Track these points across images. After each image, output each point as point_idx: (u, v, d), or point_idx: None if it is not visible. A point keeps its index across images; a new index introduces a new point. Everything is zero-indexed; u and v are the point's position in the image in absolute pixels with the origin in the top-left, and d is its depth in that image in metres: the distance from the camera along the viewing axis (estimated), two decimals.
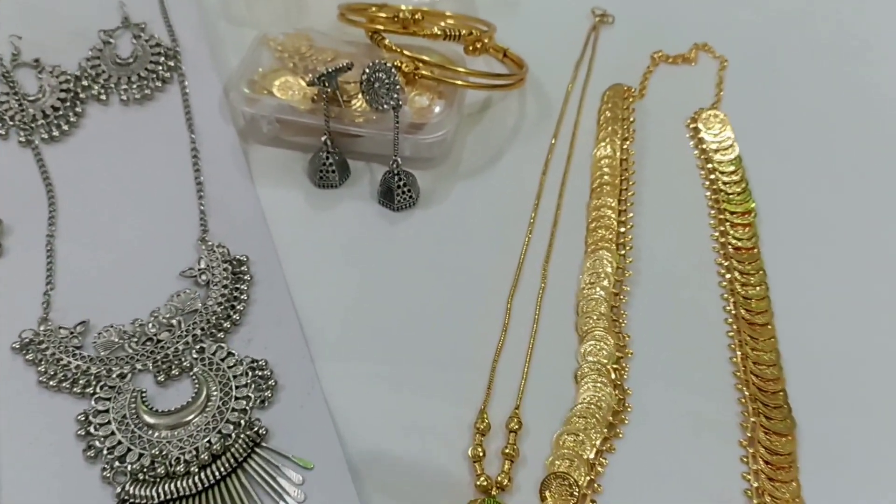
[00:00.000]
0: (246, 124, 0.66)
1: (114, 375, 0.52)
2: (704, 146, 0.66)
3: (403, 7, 0.65)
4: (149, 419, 0.50)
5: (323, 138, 0.62)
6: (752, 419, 0.51)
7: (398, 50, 0.63)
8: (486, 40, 0.66)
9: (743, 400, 0.52)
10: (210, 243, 0.59)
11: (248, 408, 0.51)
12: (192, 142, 0.65)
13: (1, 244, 0.58)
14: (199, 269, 0.57)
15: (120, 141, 0.65)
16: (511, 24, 0.71)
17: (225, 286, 0.56)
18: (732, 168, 0.64)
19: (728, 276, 0.58)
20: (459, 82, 0.63)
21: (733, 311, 0.57)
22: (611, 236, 0.60)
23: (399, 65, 0.63)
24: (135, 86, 0.67)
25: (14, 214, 0.60)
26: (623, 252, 0.59)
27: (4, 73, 0.67)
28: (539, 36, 0.74)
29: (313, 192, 0.63)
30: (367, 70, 0.60)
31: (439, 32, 0.63)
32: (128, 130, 0.66)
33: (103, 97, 0.67)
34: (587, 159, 0.65)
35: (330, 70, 0.61)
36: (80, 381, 0.52)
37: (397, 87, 0.60)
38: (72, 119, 0.65)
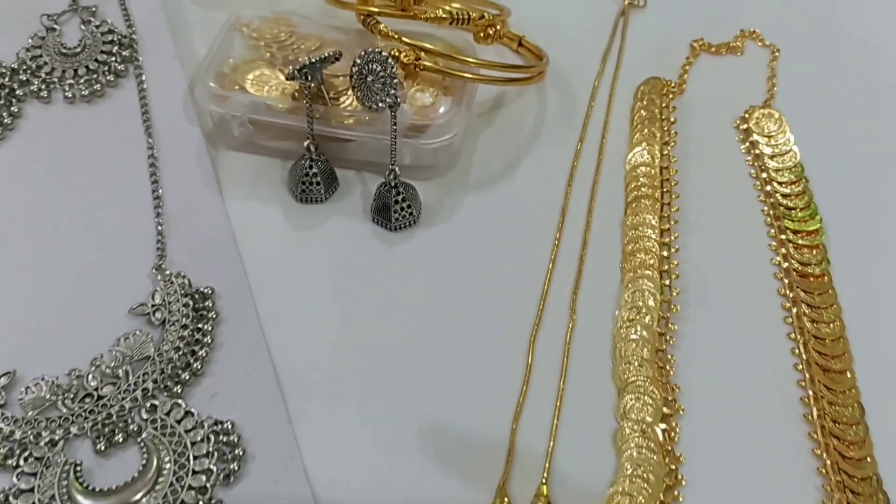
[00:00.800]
0: (214, 126, 0.55)
1: (42, 443, 0.42)
2: (757, 151, 0.55)
3: None
4: (84, 501, 0.40)
5: (306, 143, 0.52)
6: (835, 496, 0.41)
7: (396, 36, 0.53)
8: (498, 26, 0.56)
9: (823, 470, 0.42)
10: (167, 272, 0.48)
11: (208, 485, 0.41)
12: (150, 147, 0.54)
13: None
14: (153, 305, 0.47)
15: (63, 146, 0.54)
16: (527, 8, 0.60)
17: (184, 326, 0.46)
18: (792, 178, 0.54)
19: (794, 310, 0.48)
20: (469, 75, 0.53)
21: (803, 355, 0.46)
22: (652, 261, 0.50)
23: (397, 54, 0.53)
24: (82, 80, 0.57)
25: None
26: (668, 281, 0.49)
27: None
28: (560, 22, 0.63)
29: (294, 207, 0.53)
30: (359, 61, 0.50)
31: (445, 16, 0.53)
32: (72, 134, 0.55)
33: (44, 94, 0.56)
34: (620, 167, 0.55)
35: (313, 60, 0.50)
36: (1, 451, 0.42)
37: (395, 80, 0.49)
38: (6, 120, 0.55)
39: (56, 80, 0.57)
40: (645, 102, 0.57)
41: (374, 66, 0.50)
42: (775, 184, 0.54)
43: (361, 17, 0.54)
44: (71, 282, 0.48)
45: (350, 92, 0.52)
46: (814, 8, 0.66)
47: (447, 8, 0.57)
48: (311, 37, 0.57)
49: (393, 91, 0.49)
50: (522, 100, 0.58)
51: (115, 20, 0.60)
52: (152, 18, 0.60)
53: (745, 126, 0.56)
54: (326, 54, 0.51)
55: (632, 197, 0.53)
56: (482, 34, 0.55)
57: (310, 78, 0.50)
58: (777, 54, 0.61)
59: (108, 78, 0.57)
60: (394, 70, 0.49)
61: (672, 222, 0.52)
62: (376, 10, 0.54)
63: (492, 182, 0.54)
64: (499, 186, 0.54)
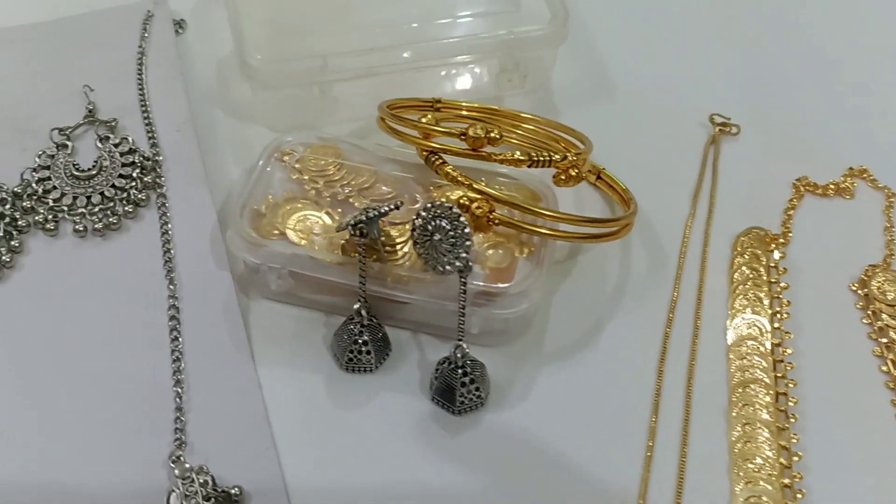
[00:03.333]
0: (246, 271, 0.48)
1: None
2: (881, 323, 0.47)
3: (479, 130, 0.45)
4: None
5: (356, 306, 0.44)
6: None
7: (465, 181, 0.45)
8: (581, 165, 0.48)
9: None
10: (187, 466, 0.40)
11: None
12: (171, 295, 0.46)
13: None
14: None
15: (69, 291, 0.47)
16: (598, 131, 0.53)
17: None
18: None
19: None
20: (548, 231, 0.45)
21: None
22: (771, 473, 0.41)
23: (466, 203, 0.45)
24: (96, 209, 0.49)
25: None
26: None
27: None
28: (640, 152, 0.55)
29: (338, 377, 0.45)
30: (424, 214, 0.42)
31: (523, 158, 0.45)
32: (81, 275, 0.47)
33: (51, 226, 0.48)
34: (720, 337, 0.47)
35: (371, 215, 0.42)
36: None
37: (467, 242, 0.42)
38: (4, 257, 0.47)
39: (65, 208, 0.49)
40: (746, 257, 0.49)
41: (442, 222, 0.42)
42: None
43: (424, 152, 0.47)
44: (66, 465, 0.40)
45: (409, 243, 0.45)
46: None
47: (520, 142, 0.50)
48: (363, 170, 0.49)
49: (464, 254, 0.42)
50: (602, 247, 0.51)
51: (138, 136, 0.52)
52: (180, 136, 0.52)
53: (864, 291, 0.48)
54: (385, 207, 0.43)
55: (736, 380, 0.45)
56: (563, 176, 0.47)
57: (365, 234, 0.43)
58: (893, 200, 0.53)
59: (127, 208, 0.49)
60: (466, 230, 0.42)
61: (792, 419, 0.43)
62: (441, 147, 0.46)
63: (570, 352, 0.46)
64: (578, 359, 0.46)
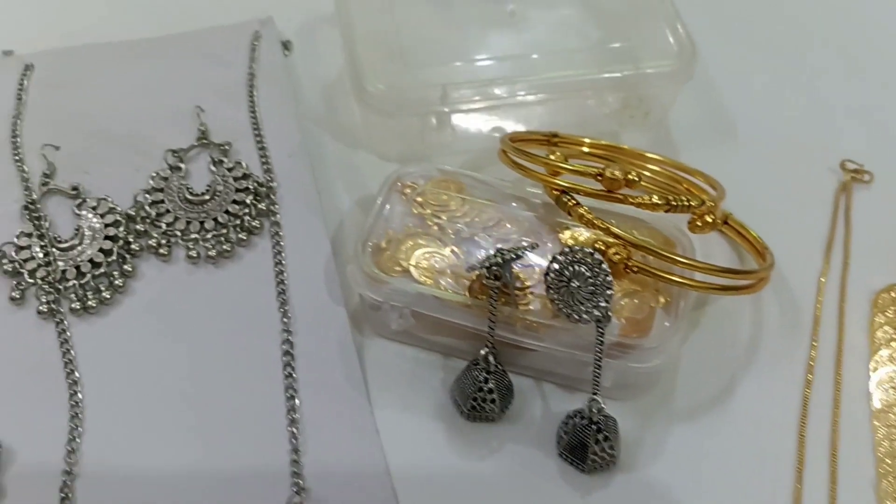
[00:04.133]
0: (361, 306, 0.46)
1: None
2: None
3: (616, 171, 0.43)
4: None
5: (483, 352, 0.42)
6: None
7: (601, 224, 0.43)
8: (716, 211, 0.46)
9: None
10: None
11: None
12: (285, 328, 0.44)
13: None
14: None
15: (180, 319, 0.45)
16: (718, 173, 0.49)
17: None
18: None
19: None
20: (685, 281, 0.43)
21: None
22: None
23: (603, 248, 0.43)
24: (209, 235, 0.47)
25: (20, 431, 0.41)
26: None
27: (29, 202, 0.48)
28: (761, 193, 0.52)
29: (459, 424, 0.43)
30: (561, 259, 0.40)
31: (660, 202, 0.43)
32: (193, 303, 0.46)
33: (164, 251, 0.47)
34: (864, 401, 0.44)
35: (508, 257, 0.40)
36: None
37: (608, 290, 0.40)
38: (116, 281, 0.45)
39: (178, 232, 0.47)
40: (889, 315, 0.47)
41: (582, 268, 0.40)
42: None
43: (555, 191, 0.45)
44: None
45: (538, 287, 0.43)
46: None
47: (652, 190, 0.47)
48: (487, 208, 0.46)
49: (604, 303, 0.39)
50: (732, 297, 0.48)
51: (250, 161, 0.50)
52: (293, 162, 0.50)
53: None
54: (522, 249, 0.41)
55: (885, 449, 0.42)
56: (699, 222, 0.45)
57: (499, 276, 0.41)
58: None
59: (241, 236, 0.47)
60: (608, 277, 0.40)
61: None
62: (573, 186, 0.44)
63: (703, 409, 0.43)
64: (712, 417, 0.43)
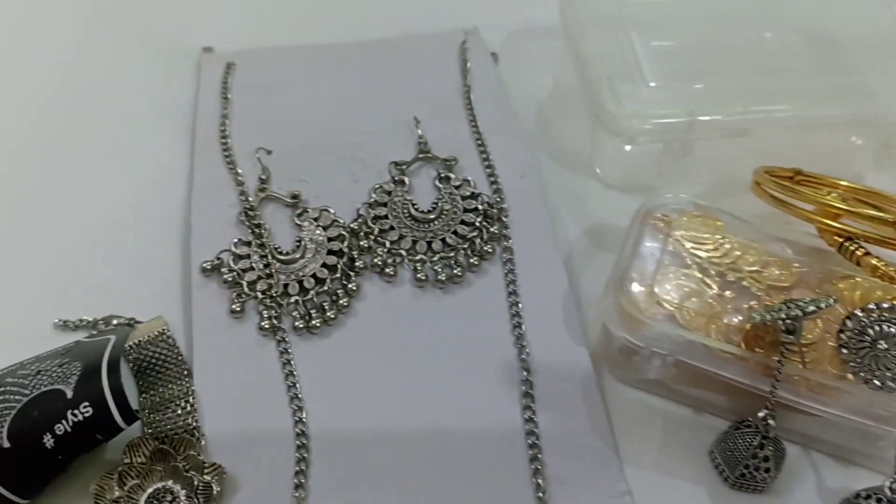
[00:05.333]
0: (603, 345, 0.41)
1: None
2: None
3: None
4: None
5: (762, 413, 0.37)
6: None
7: None
8: None
9: None
10: None
11: None
12: (523, 367, 0.40)
13: None
14: None
15: (405, 346, 0.41)
16: None
17: None
18: None
19: None
20: None
21: None
22: None
23: None
24: (436, 257, 0.44)
25: (240, 456, 0.37)
26: None
27: (248, 209, 0.45)
28: None
29: (722, 492, 0.38)
30: (861, 316, 0.35)
31: None
32: (419, 330, 0.42)
33: (391, 271, 0.43)
34: None
35: (809, 310, 0.36)
36: None
37: None
38: (340, 300, 0.42)
39: (404, 252, 0.44)
40: None
41: (889, 328, 0.35)
42: None
43: (837, 237, 0.40)
44: None
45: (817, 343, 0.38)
46: None
47: None
48: (749, 249, 0.42)
49: None
50: None
51: (477, 179, 0.47)
52: (523, 184, 0.47)
53: None
54: (820, 304, 0.36)
55: None
56: None
57: (793, 331, 0.36)
58: None
59: (472, 260, 0.44)
60: None
61: None
62: (863, 233, 0.39)
63: None
64: None
